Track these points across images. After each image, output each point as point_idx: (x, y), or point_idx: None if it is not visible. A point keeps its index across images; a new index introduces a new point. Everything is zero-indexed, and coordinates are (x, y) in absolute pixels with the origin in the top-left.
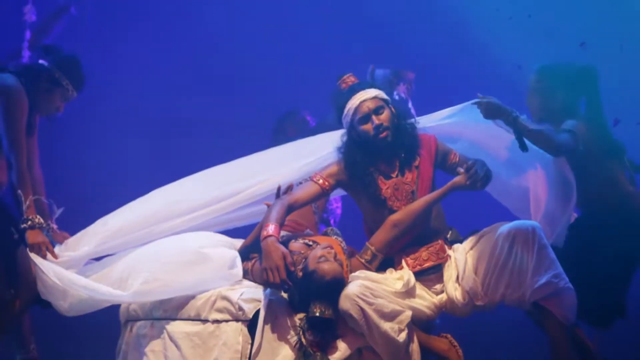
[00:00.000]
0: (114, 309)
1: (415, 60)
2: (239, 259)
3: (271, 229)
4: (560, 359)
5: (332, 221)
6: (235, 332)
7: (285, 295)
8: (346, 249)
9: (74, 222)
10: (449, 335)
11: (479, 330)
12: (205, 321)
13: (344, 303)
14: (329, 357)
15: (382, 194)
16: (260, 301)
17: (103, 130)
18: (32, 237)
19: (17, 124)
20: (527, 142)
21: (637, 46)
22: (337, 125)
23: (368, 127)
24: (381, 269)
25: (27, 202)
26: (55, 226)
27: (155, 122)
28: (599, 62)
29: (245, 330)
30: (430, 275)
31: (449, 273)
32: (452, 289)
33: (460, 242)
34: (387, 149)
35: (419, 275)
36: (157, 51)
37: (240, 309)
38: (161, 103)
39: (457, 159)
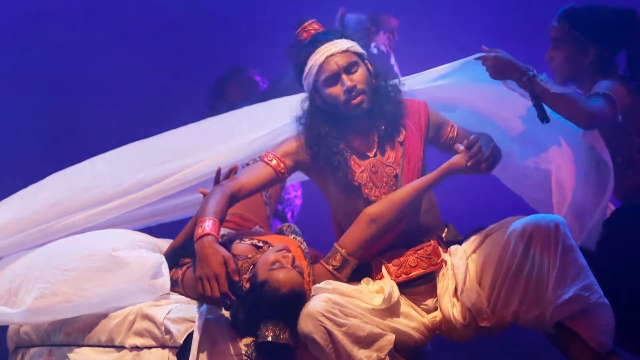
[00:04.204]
0: (1, 331)
1: (399, 2)
2: (165, 266)
3: (208, 225)
4: None
5: (289, 215)
6: None
7: (227, 313)
8: (308, 252)
9: None
10: None
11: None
12: (120, 348)
13: (305, 324)
14: None
15: (356, 178)
16: (193, 321)
17: None
18: None
19: None
20: (547, 109)
21: None
22: (296, 88)
23: (337, 90)
24: (355, 278)
25: None
26: None
27: (54, 83)
28: None
29: (173, 359)
30: (419, 286)
31: (445, 284)
32: (449, 305)
33: (460, 243)
34: (362, 120)
35: (405, 286)
36: None
37: (167, 331)
38: (63, 57)
39: (455, 133)
